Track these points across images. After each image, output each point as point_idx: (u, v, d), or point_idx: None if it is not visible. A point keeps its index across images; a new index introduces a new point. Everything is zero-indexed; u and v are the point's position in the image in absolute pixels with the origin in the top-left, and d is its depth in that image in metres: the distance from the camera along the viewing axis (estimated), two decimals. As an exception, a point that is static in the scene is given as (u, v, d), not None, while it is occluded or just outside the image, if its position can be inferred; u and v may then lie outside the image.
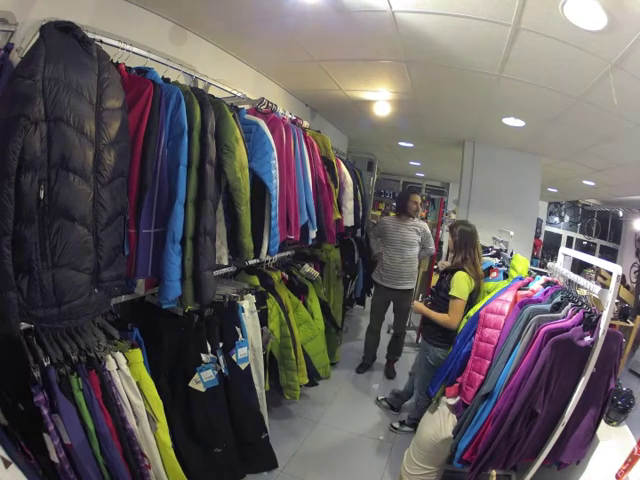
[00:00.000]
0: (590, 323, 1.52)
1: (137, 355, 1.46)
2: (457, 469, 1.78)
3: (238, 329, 1.90)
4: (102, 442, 1.31)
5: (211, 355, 1.76)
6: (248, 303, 2.00)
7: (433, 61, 2.35)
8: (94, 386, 1.31)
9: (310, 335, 2.49)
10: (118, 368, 1.38)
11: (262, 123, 1.88)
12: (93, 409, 1.29)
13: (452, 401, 1.87)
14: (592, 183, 5.43)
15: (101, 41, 1.37)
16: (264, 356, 2.11)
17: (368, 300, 4.67)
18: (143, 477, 1.46)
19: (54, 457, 1.22)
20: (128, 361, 1.42)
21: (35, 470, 1.27)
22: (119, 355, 1.39)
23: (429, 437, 1.91)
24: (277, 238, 1.93)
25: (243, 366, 1.89)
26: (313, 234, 2.35)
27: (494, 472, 1.61)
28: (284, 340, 2.28)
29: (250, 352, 1.96)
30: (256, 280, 2.32)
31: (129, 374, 1.40)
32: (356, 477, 2.21)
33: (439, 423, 1.90)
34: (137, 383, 1.42)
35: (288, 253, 2.63)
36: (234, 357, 1.86)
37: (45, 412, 1.20)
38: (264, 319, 2.15)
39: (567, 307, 1.63)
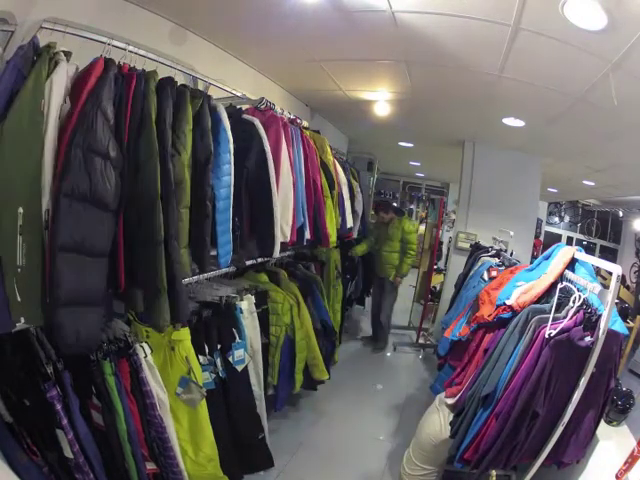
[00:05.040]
0: (590, 323, 1.52)
1: (186, 333, 1.61)
2: (457, 469, 1.78)
3: (235, 330, 1.90)
4: (129, 428, 1.36)
5: (208, 357, 1.76)
6: (247, 304, 1.99)
7: (433, 61, 2.35)
8: (123, 372, 1.38)
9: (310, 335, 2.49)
10: (145, 356, 1.44)
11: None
12: (121, 394, 1.35)
13: (451, 401, 1.87)
14: (592, 183, 5.43)
15: (102, 41, 1.37)
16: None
17: (368, 300, 4.68)
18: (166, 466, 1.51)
19: (68, 452, 1.23)
20: (175, 340, 1.57)
21: (39, 468, 1.27)
22: (145, 345, 1.47)
23: (429, 437, 1.91)
24: (229, 246, 1.70)
25: (239, 368, 1.89)
26: (307, 234, 2.31)
27: (494, 472, 1.61)
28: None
29: (249, 353, 1.96)
30: (264, 277, 2.33)
31: (153, 363, 1.48)
32: (356, 477, 2.21)
33: (439, 423, 1.89)
34: (186, 357, 1.58)
35: (288, 253, 2.63)
36: (230, 359, 1.86)
37: (58, 407, 1.20)
38: (264, 319, 2.14)
39: (567, 307, 1.63)
